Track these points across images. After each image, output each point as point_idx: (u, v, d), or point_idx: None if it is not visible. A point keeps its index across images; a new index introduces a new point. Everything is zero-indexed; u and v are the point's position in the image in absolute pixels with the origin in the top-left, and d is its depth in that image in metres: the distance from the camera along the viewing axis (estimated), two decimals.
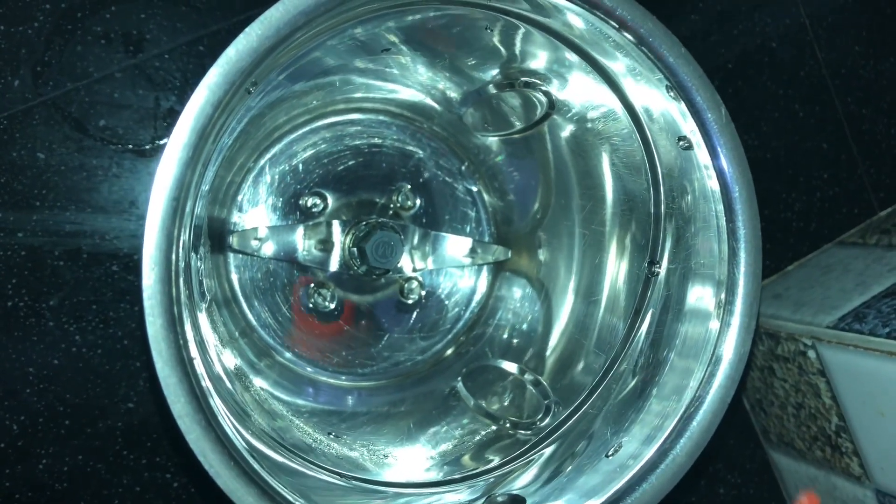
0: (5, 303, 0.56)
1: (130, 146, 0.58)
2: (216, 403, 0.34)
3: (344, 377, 0.55)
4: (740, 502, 0.72)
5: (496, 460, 0.46)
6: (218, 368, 0.41)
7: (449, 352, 0.58)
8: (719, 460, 0.71)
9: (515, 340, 0.56)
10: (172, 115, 0.58)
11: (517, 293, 0.58)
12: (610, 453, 0.41)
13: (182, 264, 0.33)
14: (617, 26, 0.37)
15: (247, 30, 0.32)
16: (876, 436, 0.58)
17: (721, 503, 0.71)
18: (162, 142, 0.58)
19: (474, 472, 0.45)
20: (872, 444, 0.59)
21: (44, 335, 0.56)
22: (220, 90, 0.32)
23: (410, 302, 0.58)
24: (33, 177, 0.56)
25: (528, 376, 0.53)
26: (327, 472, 0.41)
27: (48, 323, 0.56)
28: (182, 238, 0.32)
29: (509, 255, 0.58)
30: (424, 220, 0.57)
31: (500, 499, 0.41)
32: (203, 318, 0.42)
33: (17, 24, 0.56)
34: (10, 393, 0.56)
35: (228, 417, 0.36)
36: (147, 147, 0.58)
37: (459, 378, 0.55)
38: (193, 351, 0.33)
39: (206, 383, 0.34)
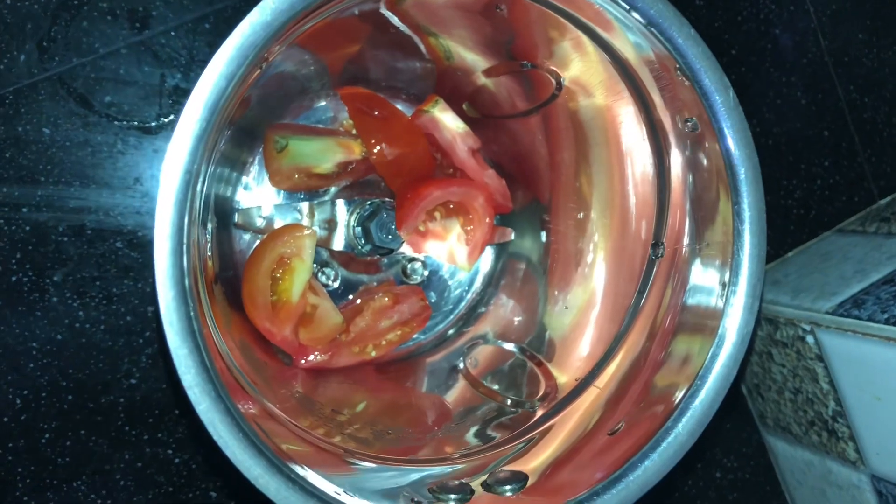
0: (9, 277, 0.56)
1: (136, 123, 0.58)
2: (224, 375, 0.34)
3: None
4: (736, 486, 0.72)
5: (499, 437, 0.46)
6: (223, 342, 0.42)
7: (451, 331, 0.59)
8: (716, 444, 0.72)
9: (517, 320, 0.56)
10: (178, 93, 0.58)
11: (519, 274, 0.58)
12: (612, 431, 0.42)
13: (192, 238, 0.33)
14: (627, 7, 0.37)
15: (261, 4, 0.32)
16: (872, 421, 0.59)
17: (717, 487, 0.72)
18: (167, 119, 0.58)
19: (477, 448, 0.46)
20: (868, 429, 0.60)
21: (47, 310, 0.57)
22: (234, 64, 0.32)
23: (414, 282, 0.59)
24: (38, 152, 0.56)
25: (529, 355, 0.53)
26: (332, 446, 0.42)
27: (52, 298, 0.57)
28: (193, 212, 0.32)
29: (512, 236, 0.59)
30: None
31: (502, 475, 0.42)
32: (210, 294, 0.43)
33: None
34: (13, 367, 0.56)
35: (235, 390, 0.36)
36: (152, 124, 0.58)
37: (462, 357, 0.56)
38: (203, 322, 0.33)
39: (215, 355, 0.34)
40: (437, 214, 0.55)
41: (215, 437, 0.33)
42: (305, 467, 0.35)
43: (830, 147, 0.74)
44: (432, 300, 0.58)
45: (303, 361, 0.53)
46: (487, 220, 0.55)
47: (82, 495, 0.58)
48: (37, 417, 0.57)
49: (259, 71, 0.35)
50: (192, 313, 0.32)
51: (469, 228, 0.56)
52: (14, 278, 0.56)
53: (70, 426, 0.57)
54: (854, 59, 0.74)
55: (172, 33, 0.58)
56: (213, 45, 0.59)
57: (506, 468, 0.42)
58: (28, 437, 0.56)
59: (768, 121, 0.72)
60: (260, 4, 0.32)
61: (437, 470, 0.43)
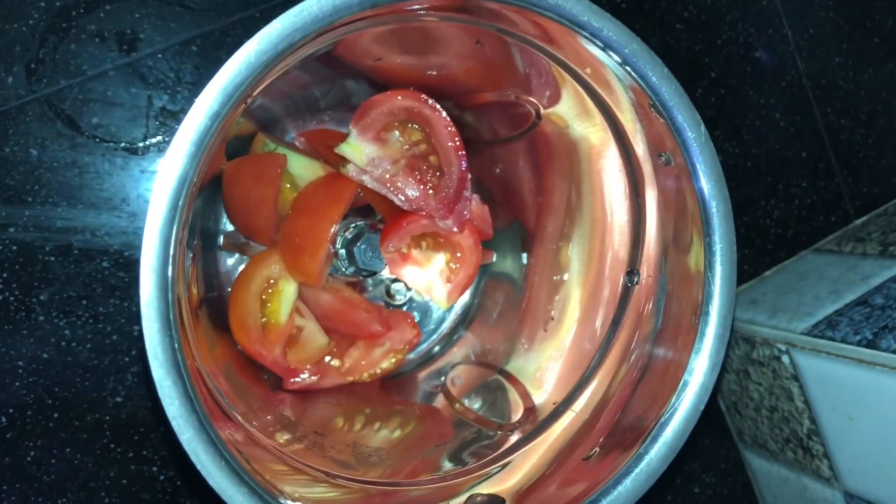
0: None
1: (123, 144, 0.58)
2: (207, 403, 0.35)
3: None
4: (715, 501, 0.73)
5: (477, 460, 0.47)
6: (207, 368, 0.42)
7: (436, 349, 0.59)
8: (695, 460, 0.73)
9: (497, 342, 0.57)
10: (165, 114, 0.59)
11: (501, 296, 0.59)
12: (587, 456, 0.43)
13: (177, 268, 0.34)
14: (602, 46, 0.38)
15: (245, 45, 0.33)
16: (845, 439, 0.60)
17: (696, 502, 0.73)
18: (154, 140, 0.59)
19: (455, 471, 0.46)
20: (842, 448, 0.61)
21: (34, 329, 0.57)
22: (218, 103, 0.33)
23: (397, 303, 0.59)
24: (26, 173, 0.57)
25: (508, 378, 0.54)
26: (314, 470, 0.43)
27: (38, 317, 0.57)
28: (177, 244, 0.33)
29: (494, 258, 0.60)
30: None
31: (479, 499, 0.42)
32: (194, 319, 0.43)
33: (12, 21, 0.56)
34: None
35: (217, 416, 0.37)
36: (139, 145, 0.59)
37: (443, 378, 0.57)
38: (187, 353, 0.34)
39: (198, 384, 0.35)
40: (423, 244, 0.56)
41: (198, 466, 0.33)
42: (285, 493, 0.36)
43: (808, 168, 0.75)
44: (415, 320, 0.59)
45: (293, 381, 0.53)
46: (475, 262, 0.56)
47: None
48: (22, 435, 0.57)
49: (244, 106, 0.36)
50: (176, 345, 0.32)
51: (454, 266, 0.56)
52: (0, 297, 0.56)
53: (56, 444, 0.57)
54: (831, 82, 0.75)
55: (159, 56, 0.59)
56: (200, 68, 0.60)
57: (483, 491, 0.43)
58: (13, 455, 0.57)
59: (747, 142, 0.73)
60: (245, 45, 0.33)
61: (416, 493, 0.44)
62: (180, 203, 0.32)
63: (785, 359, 0.62)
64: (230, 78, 0.32)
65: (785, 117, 0.74)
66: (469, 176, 0.53)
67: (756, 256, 0.74)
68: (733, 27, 0.72)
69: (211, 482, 0.34)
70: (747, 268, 0.74)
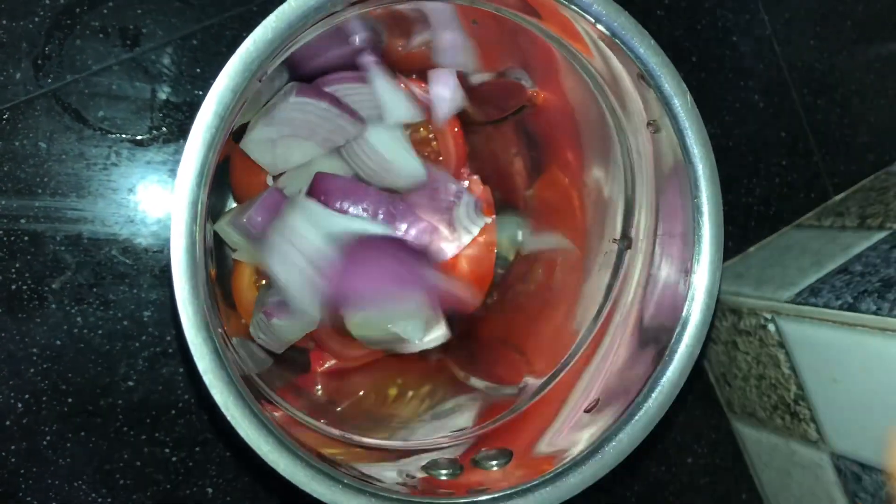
0: (9, 286, 0.57)
1: (128, 136, 0.60)
2: (232, 362, 0.37)
3: None
4: (706, 470, 0.75)
5: (484, 419, 0.49)
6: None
7: None
8: (686, 432, 0.74)
9: (500, 316, 0.59)
10: (168, 106, 0.61)
11: (499, 269, 0.61)
12: (588, 408, 0.45)
13: (200, 238, 0.36)
14: (593, 20, 0.41)
15: (264, 22, 0.35)
16: (830, 402, 0.61)
17: (689, 472, 0.74)
18: (158, 131, 0.60)
19: (464, 430, 0.48)
20: (827, 410, 0.62)
21: (46, 317, 0.58)
22: (239, 78, 0.35)
23: None
24: (35, 165, 0.58)
25: (510, 346, 0.56)
26: (332, 431, 0.45)
27: (51, 305, 0.58)
28: (204, 210, 0.35)
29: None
30: None
31: (489, 452, 0.44)
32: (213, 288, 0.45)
33: (18, 19, 0.58)
34: (14, 373, 0.57)
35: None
36: (144, 136, 0.60)
37: (448, 347, 0.58)
38: (212, 318, 0.36)
39: (224, 344, 0.37)
40: None
41: (228, 417, 0.35)
42: (306, 447, 0.38)
43: (787, 147, 0.76)
44: None
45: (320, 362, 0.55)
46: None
47: (83, 494, 0.59)
48: (38, 420, 0.58)
49: (259, 84, 0.38)
50: (204, 305, 0.34)
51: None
52: (14, 287, 0.57)
53: (70, 428, 0.58)
54: (807, 64, 0.77)
55: (162, 50, 0.60)
56: (202, 61, 0.61)
57: (492, 446, 0.45)
58: (30, 440, 0.58)
59: (728, 123, 0.75)
60: (263, 23, 0.35)
61: (428, 451, 0.46)
62: (206, 170, 0.34)
63: (771, 327, 0.63)
64: (243, 54, 0.34)
65: (764, 99, 0.76)
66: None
67: (740, 234, 0.75)
68: (712, 13, 0.74)
69: (241, 432, 0.35)
70: (731, 244, 0.75)
